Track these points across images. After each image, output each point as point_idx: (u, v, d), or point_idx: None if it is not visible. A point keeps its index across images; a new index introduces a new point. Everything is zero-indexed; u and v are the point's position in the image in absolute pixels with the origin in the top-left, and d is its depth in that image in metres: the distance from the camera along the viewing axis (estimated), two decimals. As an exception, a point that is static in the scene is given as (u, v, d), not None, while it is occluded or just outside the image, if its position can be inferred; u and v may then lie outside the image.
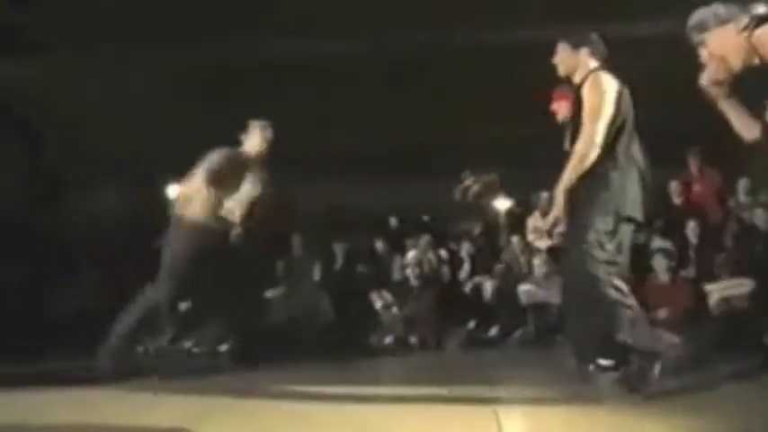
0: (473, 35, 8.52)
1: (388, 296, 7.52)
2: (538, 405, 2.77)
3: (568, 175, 3.51)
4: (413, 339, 7.20)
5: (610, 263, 3.37)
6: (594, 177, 3.47)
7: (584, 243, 3.36)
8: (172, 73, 8.47)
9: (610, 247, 3.37)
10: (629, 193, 3.47)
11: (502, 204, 10.09)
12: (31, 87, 8.00)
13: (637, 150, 3.59)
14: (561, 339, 6.69)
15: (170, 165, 11.05)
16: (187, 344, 7.39)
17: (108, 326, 7.41)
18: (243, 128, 5.22)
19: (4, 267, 8.39)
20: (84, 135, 8.94)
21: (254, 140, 5.18)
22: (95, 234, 9.45)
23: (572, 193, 3.50)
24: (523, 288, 7.17)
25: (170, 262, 4.81)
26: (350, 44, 8.61)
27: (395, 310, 7.41)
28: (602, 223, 3.39)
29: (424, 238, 8.46)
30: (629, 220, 3.48)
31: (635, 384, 3.16)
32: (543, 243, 8.51)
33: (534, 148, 9.80)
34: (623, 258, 3.47)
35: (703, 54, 2.97)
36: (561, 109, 4.26)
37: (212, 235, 4.83)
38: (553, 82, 4.09)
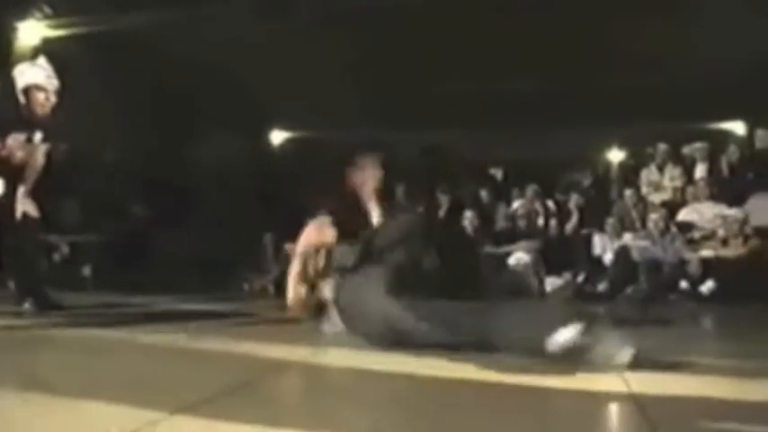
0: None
1: (492, 245, 7.42)
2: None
3: None
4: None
5: None
6: None
7: None
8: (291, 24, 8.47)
9: None
10: None
11: (615, 156, 9.68)
12: (162, 39, 8.26)
13: None
14: (676, 298, 6.46)
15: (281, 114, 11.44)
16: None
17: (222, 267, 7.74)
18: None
19: (128, 208, 8.96)
20: (206, 86, 9.21)
21: None
22: (212, 180, 9.88)
23: None
24: (637, 243, 6.86)
25: None
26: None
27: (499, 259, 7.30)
28: None
29: (531, 188, 8.25)
30: None
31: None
32: (658, 197, 8.13)
33: (651, 99, 9.41)
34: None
35: None
36: None
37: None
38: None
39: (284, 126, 11.78)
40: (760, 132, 7.84)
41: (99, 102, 8.06)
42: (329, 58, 8.93)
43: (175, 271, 8.43)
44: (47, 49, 6.90)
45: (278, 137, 11.85)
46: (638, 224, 7.57)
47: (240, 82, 9.32)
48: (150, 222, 8.92)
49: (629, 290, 6.65)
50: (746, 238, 6.57)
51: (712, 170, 8.02)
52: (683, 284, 6.52)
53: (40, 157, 4.31)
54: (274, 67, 9.29)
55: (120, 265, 7.80)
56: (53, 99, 4.24)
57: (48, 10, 7.45)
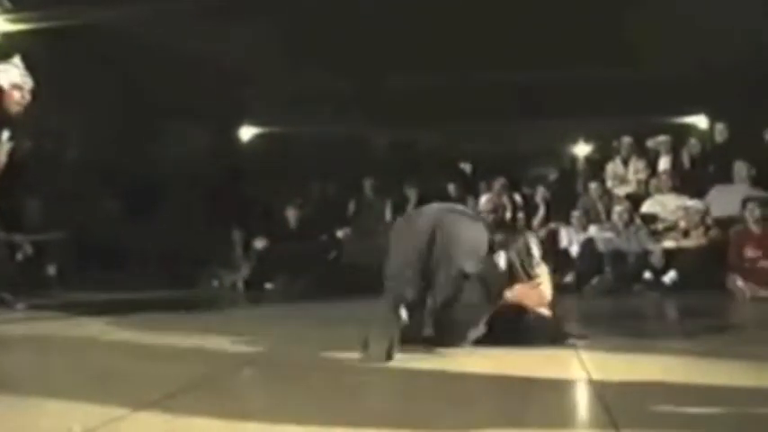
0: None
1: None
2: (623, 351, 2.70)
3: None
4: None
5: None
6: None
7: None
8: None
9: None
10: None
11: (581, 150, 9.82)
12: (128, 31, 8.12)
13: None
14: (640, 288, 6.58)
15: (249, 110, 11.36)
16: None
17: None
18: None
19: (95, 205, 8.81)
20: (174, 80, 9.10)
21: None
22: (179, 174, 9.76)
23: None
24: (602, 236, 6.98)
25: None
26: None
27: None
28: None
29: (499, 182, 8.31)
30: None
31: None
32: (623, 190, 8.27)
33: (616, 94, 9.57)
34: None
35: None
36: None
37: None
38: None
39: (254, 121, 11.68)
40: (719, 126, 8.02)
41: (63, 98, 7.91)
42: (297, 53, 8.89)
43: (143, 268, 8.33)
44: (6, 43, 6.75)
45: (247, 132, 11.76)
46: (603, 216, 7.69)
47: (208, 76, 9.23)
48: (117, 219, 8.79)
49: (594, 281, 6.76)
50: (707, 229, 6.72)
51: (675, 163, 8.17)
52: (647, 275, 6.65)
53: (2, 157, 4.23)
54: (243, 61, 9.22)
55: (86, 263, 7.66)
56: (28, 98, 4.18)
57: (7, 4, 7.26)
